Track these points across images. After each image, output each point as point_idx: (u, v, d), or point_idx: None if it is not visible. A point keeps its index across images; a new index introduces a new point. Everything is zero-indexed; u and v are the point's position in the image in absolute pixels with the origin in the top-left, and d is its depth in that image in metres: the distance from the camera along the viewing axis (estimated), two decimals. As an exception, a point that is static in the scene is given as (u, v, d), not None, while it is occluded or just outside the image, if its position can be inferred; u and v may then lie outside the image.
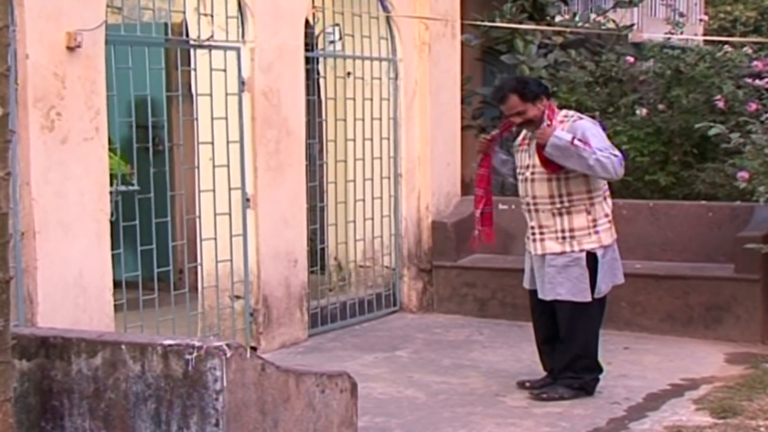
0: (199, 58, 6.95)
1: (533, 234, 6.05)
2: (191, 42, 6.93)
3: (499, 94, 6.11)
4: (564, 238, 5.93)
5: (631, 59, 9.97)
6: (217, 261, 6.95)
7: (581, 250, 5.91)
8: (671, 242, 8.20)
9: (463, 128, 9.31)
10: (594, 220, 5.95)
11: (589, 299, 5.93)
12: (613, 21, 11.10)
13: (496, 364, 6.84)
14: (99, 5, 5.86)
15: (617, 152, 5.88)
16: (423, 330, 7.92)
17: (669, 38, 10.22)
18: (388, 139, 8.37)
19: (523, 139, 6.15)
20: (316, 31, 8.11)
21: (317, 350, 7.27)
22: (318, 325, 7.71)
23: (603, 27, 10.91)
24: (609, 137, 9.15)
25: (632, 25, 11.57)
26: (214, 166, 6.87)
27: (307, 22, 7.66)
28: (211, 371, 4.08)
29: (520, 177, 6.11)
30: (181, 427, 4.12)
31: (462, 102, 9.27)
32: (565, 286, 5.92)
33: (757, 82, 8.91)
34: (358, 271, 8.36)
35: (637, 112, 9.51)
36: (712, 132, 8.16)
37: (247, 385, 4.20)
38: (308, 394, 4.57)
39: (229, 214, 6.91)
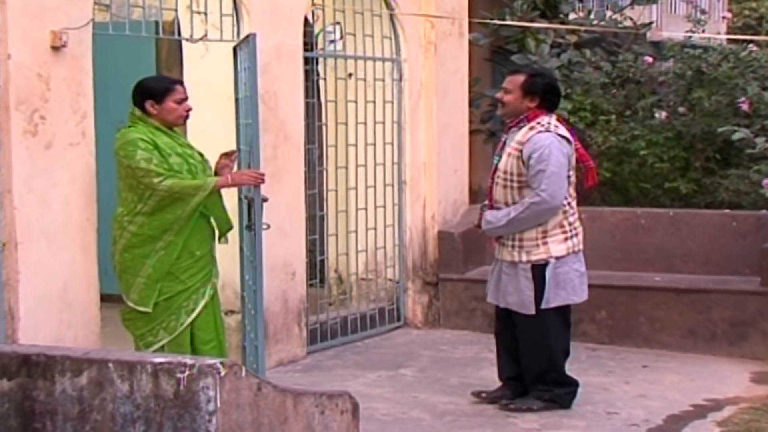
0: (192, 58, 6.96)
1: (498, 239, 6.26)
2: (184, 41, 6.93)
3: (516, 68, 6.83)
4: (513, 247, 6.16)
5: (650, 59, 9.98)
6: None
7: (527, 261, 6.11)
8: (693, 253, 8.19)
9: (471, 132, 9.32)
10: (544, 232, 6.11)
11: (531, 312, 6.08)
12: (631, 19, 11.11)
13: (506, 383, 6.83)
14: (86, 2, 5.86)
15: (545, 188, 5.97)
16: (429, 347, 7.91)
17: (690, 37, 10.23)
18: (392, 144, 8.37)
19: (499, 141, 6.35)
20: (316, 29, 8.12)
21: (316, 368, 7.27)
22: (317, 342, 7.70)
23: (620, 25, 10.92)
24: (625, 142, 9.31)
25: (651, 23, 11.59)
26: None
27: (306, 20, 7.66)
28: (203, 391, 4.07)
29: (489, 180, 6.33)
30: (171, 451, 4.11)
31: (470, 105, 9.27)
32: (513, 297, 6.18)
33: (784, 83, 8.90)
34: (360, 284, 8.35)
35: (656, 115, 9.51)
36: (735, 136, 8.17)
37: (242, 405, 4.19)
38: (307, 415, 4.56)
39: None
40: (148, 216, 5.63)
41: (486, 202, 6.36)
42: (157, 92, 5.73)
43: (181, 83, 5.89)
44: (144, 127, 5.70)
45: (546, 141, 6.02)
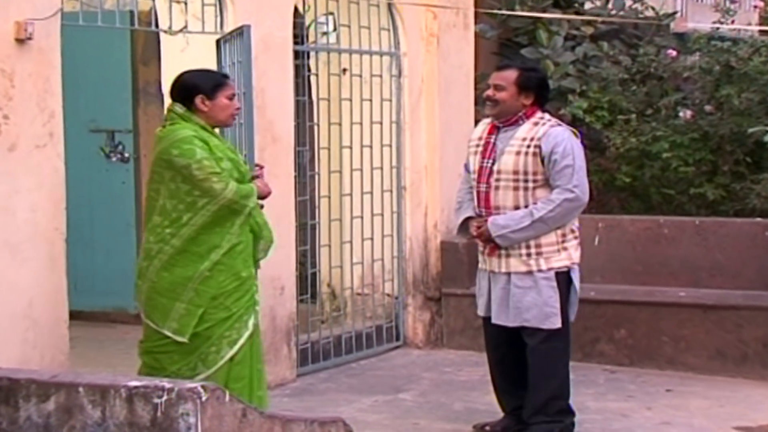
0: (171, 52, 6.96)
1: (495, 248, 6.10)
2: (162, 33, 6.93)
3: (504, 63, 6.57)
4: (530, 255, 6.04)
5: (674, 53, 9.98)
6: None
7: (549, 269, 6.02)
8: (721, 266, 8.18)
9: (477, 133, 9.32)
10: (563, 235, 6.07)
11: (558, 326, 6.01)
12: (653, 8, 11.12)
13: (516, 408, 6.83)
14: (53, -10, 5.87)
15: (577, 184, 5.96)
16: (430, 368, 7.90)
17: (718, 28, 10.23)
18: (390, 146, 8.37)
19: (480, 138, 6.22)
20: (307, 20, 8.12)
21: (307, 392, 7.26)
22: (308, 363, 7.69)
23: (640, 15, 10.93)
24: (647, 143, 9.31)
25: (675, 12, 11.61)
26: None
27: (296, 10, 7.67)
28: (183, 417, 4.07)
29: (478, 185, 6.16)
30: (147, 484, 4.11)
31: (476, 103, 9.26)
32: (532, 312, 6.02)
33: (821, 79, 8.90)
34: (355, 299, 8.34)
35: (681, 114, 9.52)
36: (767, 138, 8.16)
37: (225, 434, 4.18)
38: (297, 444, 4.56)
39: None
40: (196, 229, 5.36)
41: (471, 213, 6.21)
42: (208, 87, 5.50)
43: (228, 77, 5.71)
44: (190, 125, 5.45)
45: (565, 134, 6.04)
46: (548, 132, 6.01)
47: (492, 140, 6.15)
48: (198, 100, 5.47)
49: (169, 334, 5.40)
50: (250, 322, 5.54)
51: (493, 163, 6.09)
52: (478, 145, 6.21)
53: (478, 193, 6.14)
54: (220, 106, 5.50)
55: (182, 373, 5.35)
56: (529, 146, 6.00)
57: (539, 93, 6.13)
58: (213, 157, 5.36)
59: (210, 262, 5.38)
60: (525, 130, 6.05)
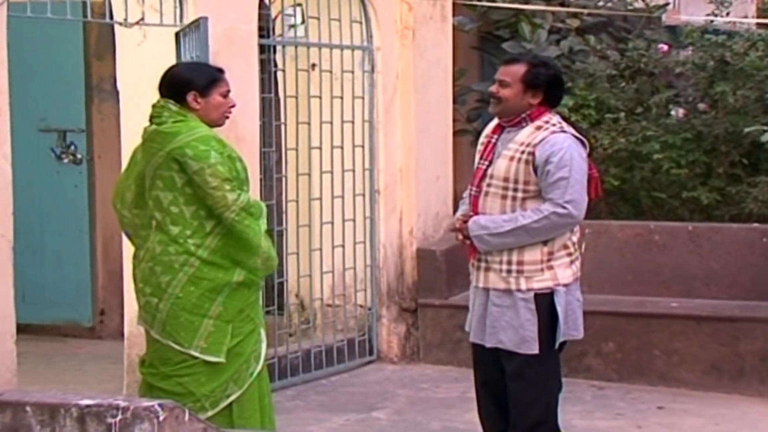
0: (127, 46, 6.93)
1: (478, 261, 6.00)
2: (117, 25, 6.91)
3: (513, 56, 6.34)
4: (510, 272, 5.86)
5: (665, 47, 10.01)
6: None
7: (529, 290, 5.83)
8: (716, 275, 8.21)
9: (455, 133, 9.33)
10: (550, 253, 5.86)
11: (535, 351, 5.82)
12: (643, 0, 11.16)
13: (498, 427, 6.83)
14: (-1, -21, 5.84)
15: (570, 199, 5.78)
16: (406, 385, 7.91)
17: (712, 21, 10.27)
18: (363, 146, 8.37)
19: (487, 136, 6.05)
20: (273, 12, 8.12)
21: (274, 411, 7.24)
22: (275, 379, 7.66)
23: (630, 7, 10.97)
24: (636, 144, 9.34)
25: (666, 4, 11.64)
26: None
27: (261, 1, 7.66)
28: (138, 439, 4.05)
29: (470, 187, 6.05)
30: None
31: (454, 101, 9.29)
32: (508, 333, 5.85)
33: (822, 75, 8.94)
34: (326, 311, 8.34)
35: (673, 113, 9.55)
36: (765, 138, 8.20)
37: (184, 456, 4.16)
38: (262, 467, 4.54)
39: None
40: (222, 238, 5.25)
41: (463, 214, 6.08)
42: (201, 83, 5.33)
43: (224, 72, 5.54)
44: (195, 124, 5.30)
45: (565, 143, 5.78)
46: (546, 138, 5.78)
47: (494, 140, 5.97)
48: (190, 97, 5.32)
49: (196, 354, 5.23)
50: (263, 333, 5.47)
51: (488, 166, 5.92)
52: (483, 143, 6.05)
53: (470, 195, 6.04)
54: (214, 104, 5.36)
55: (215, 396, 5.25)
56: (523, 152, 5.79)
57: (549, 92, 5.88)
58: (230, 158, 5.23)
59: (237, 273, 5.27)
60: (526, 133, 5.83)
